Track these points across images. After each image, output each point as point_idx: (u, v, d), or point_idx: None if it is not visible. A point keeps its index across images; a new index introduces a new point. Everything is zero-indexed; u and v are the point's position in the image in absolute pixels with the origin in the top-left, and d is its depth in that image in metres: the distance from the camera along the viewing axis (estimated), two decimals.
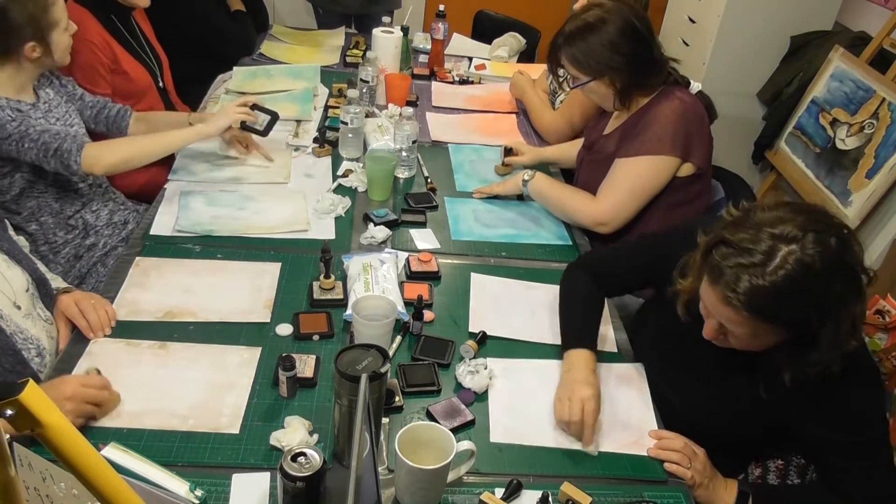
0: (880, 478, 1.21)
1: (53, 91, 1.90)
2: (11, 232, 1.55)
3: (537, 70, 2.79)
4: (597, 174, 1.89)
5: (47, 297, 1.45)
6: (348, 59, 2.89)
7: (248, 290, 1.56)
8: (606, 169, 1.86)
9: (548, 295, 1.65)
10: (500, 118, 2.58)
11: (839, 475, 1.22)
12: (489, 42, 3.26)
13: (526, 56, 3.32)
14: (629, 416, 1.36)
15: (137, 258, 1.63)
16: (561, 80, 1.96)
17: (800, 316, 1.08)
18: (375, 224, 1.81)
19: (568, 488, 1.16)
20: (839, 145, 2.99)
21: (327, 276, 1.55)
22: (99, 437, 1.17)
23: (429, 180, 2.08)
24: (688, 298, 1.24)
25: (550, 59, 1.86)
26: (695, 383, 1.36)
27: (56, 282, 1.52)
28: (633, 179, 1.78)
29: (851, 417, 1.20)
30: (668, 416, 1.37)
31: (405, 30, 2.74)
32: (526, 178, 1.95)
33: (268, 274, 1.62)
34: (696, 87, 1.86)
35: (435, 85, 2.78)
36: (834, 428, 1.20)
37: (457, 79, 2.85)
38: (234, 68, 2.62)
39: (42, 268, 1.52)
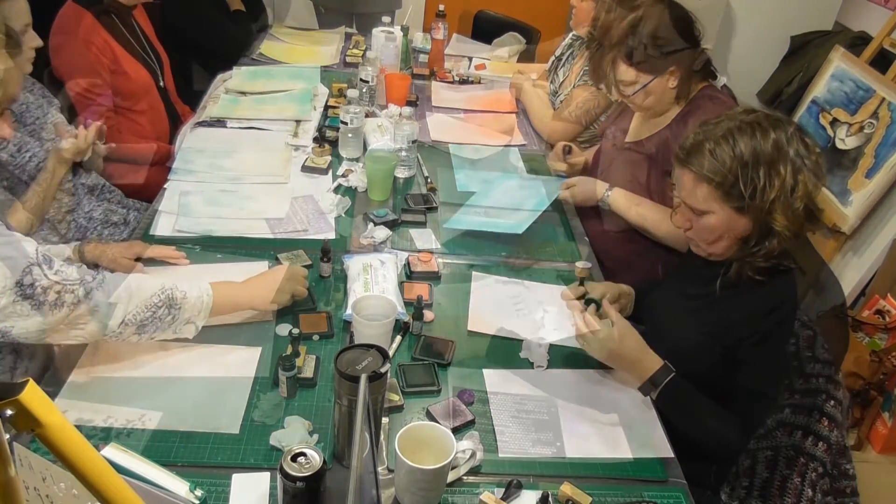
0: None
1: (33, 97, 1.82)
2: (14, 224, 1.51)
3: (537, 69, 2.79)
4: (633, 171, 1.88)
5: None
6: (348, 60, 2.89)
7: None
8: (646, 168, 1.84)
9: (548, 295, 1.65)
10: (501, 118, 2.57)
11: (740, 401, 1.34)
12: (489, 42, 3.26)
13: (525, 56, 3.32)
14: (633, 419, 1.36)
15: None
16: (577, 82, 1.91)
17: (733, 165, 1.25)
18: (375, 224, 1.81)
19: (568, 488, 1.16)
20: (839, 145, 2.99)
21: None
22: (100, 437, 1.17)
23: (428, 180, 2.08)
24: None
25: (596, 74, 1.80)
26: (679, 308, 1.48)
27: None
28: None
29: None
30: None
31: (405, 30, 2.74)
32: (608, 193, 1.90)
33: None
34: (721, 80, 1.85)
35: (435, 85, 2.78)
36: (756, 346, 1.32)
37: (457, 79, 2.85)
38: (235, 68, 2.62)
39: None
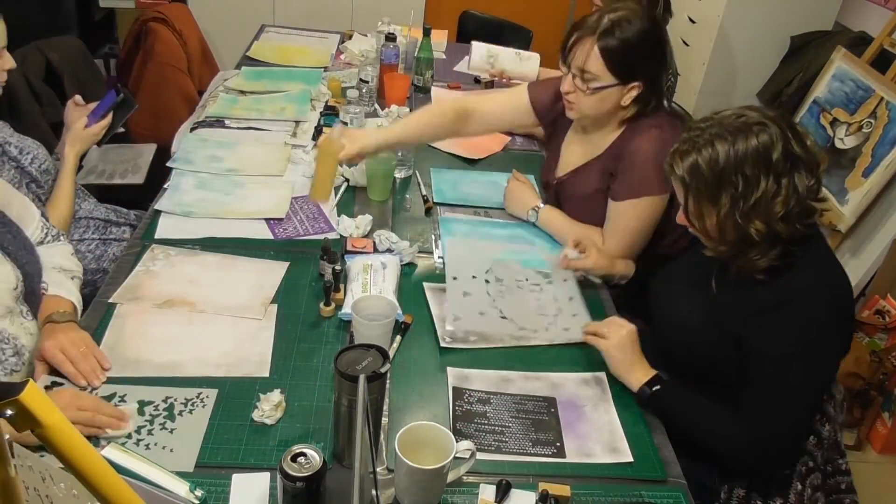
0: (762, 422, 1.28)
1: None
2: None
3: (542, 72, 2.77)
4: (581, 211, 1.85)
5: (32, 295, 1.41)
6: (347, 59, 2.89)
7: (250, 287, 1.56)
8: (592, 205, 1.81)
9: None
10: (495, 135, 2.41)
11: (750, 396, 1.31)
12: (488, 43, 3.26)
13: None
14: (633, 419, 1.36)
15: (154, 245, 1.66)
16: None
17: (709, 174, 1.26)
18: (374, 223, 1.81)
19: (567, 488, 1.16)
20: (838, 144, 2.99)
21: (328, 304, 1.52)
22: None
23: (426, 199, 2.01)
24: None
25: (569, 50, 1.67)
26: (687, 304, 1.48)
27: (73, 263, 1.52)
28: (634, 222, 1.74)
29: (780, 331, 1.28)
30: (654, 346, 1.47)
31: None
32: (537, 208, 1.88)
33: (273, 272, 1.62)
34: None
35: (435, 89, 2.77)
36: (763, 339, 1.29)
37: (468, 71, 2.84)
38: (241, 68, 2.64)
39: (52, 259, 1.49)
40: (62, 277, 1.47)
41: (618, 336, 1.41)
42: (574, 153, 1.89)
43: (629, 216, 1.74)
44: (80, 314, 1.44)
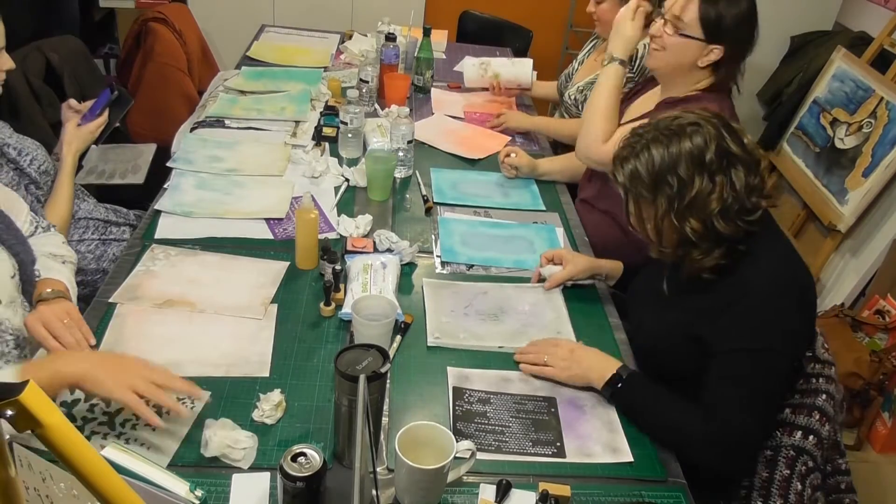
0: (728, 415, 1.26)
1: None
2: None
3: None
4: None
5: (28, 284, 1.40)
6: (347, 59, 2.89)
7: (250, 287, 1.56)
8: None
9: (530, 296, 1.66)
10: (495, 136, 2.45)
11: (707, 391, 1.30)
12: (485, 43, 3.26)
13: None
14: (602, 423, 1.36)
15: (154, 245, 1.66)
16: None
17: (647, 177, 1.29)
18: (374, 224, 1.81)
19: (567, 488, 1.16)
20: (838, 144, 2.99)
21: (328, 304, 1.52)
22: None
23: (426, 199, 2.01)
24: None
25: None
26: (651, 307, 1.51)
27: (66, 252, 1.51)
28: None
29: (738, 322, 1.28)
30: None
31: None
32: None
33: (273, 272, 1.62)
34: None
35: (435, 89, 2.77)
36: (719, 337, 1.30)
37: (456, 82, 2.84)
38: (241, 68, 2.64)
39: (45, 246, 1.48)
40: (52, 262, 1.46)
41: (557, 358, 1.40)
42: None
43: None
44: (74, 296, 1.42)
